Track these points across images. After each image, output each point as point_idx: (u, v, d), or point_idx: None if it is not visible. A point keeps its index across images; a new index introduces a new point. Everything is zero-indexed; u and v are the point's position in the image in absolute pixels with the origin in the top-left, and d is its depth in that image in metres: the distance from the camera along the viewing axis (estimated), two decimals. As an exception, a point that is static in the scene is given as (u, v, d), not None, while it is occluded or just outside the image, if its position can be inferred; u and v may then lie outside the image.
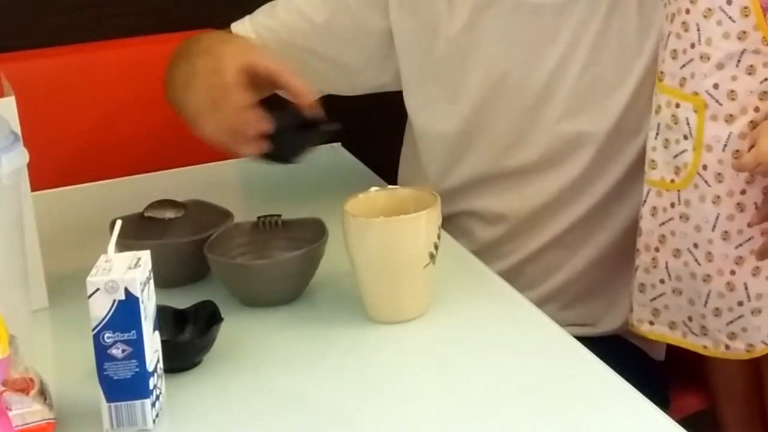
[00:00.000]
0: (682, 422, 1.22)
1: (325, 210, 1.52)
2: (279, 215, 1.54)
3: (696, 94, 1.48)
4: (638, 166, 1.65)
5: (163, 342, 1.26)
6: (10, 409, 1.17)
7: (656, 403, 1.24)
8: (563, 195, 1.69)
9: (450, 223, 1.68)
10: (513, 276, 1.63)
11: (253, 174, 1.96)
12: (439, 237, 1.39)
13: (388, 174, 1.83)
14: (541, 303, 1.54)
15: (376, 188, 1.46)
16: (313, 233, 1.48)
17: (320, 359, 1.36)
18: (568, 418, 1.22)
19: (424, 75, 1.75)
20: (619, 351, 1.68)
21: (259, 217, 1.54)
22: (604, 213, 1.70)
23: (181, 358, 1.32)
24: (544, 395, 1.26)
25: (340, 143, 1.99)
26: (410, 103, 1.79)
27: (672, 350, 1.75)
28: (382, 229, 1.37)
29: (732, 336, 1.54)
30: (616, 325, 1.75)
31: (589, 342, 1.36)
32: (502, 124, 1.69)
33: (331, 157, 1.97)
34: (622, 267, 1.71)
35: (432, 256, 1.38)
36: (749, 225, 1.49)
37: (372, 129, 2.12)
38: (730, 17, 1.45)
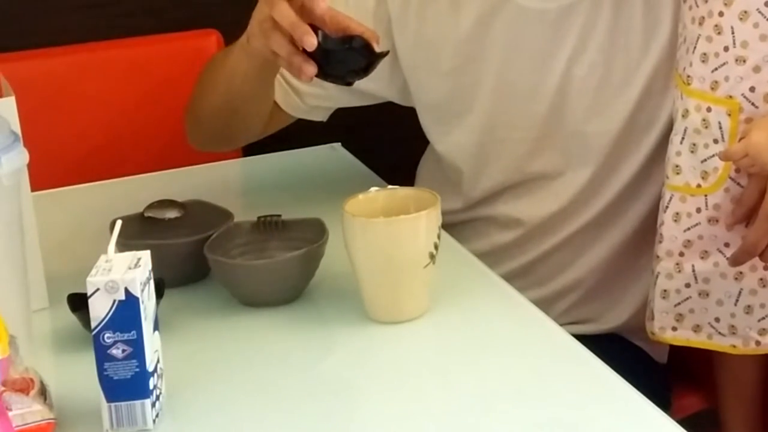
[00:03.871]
0: (682, 422, 1.22)
1: (325, 210, 1.52)
2: (279, 215, 1.54)
3: (730, 97, 1.46)
4: (649, 164, 1.65)
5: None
6: (10, 409, 1.17)
7: (657, 404, 1.24)
8: (579, 197, 1.68)
9: (466, 226, 1.68)
10: (522, 274, 1.62)
11: (253, 174, 1.96)
12: (439, 237, 1.39)
13: (388, 174, 1.83)
14: (548, 300, 1.53)
15: (376, 188, 1.45)
16: (313, 233, 1.48)
17: (320, 359, 1.36)
18: (568, 419, 1.22)
19: (434, 90, 1.72)
20: (621, 351, 1.68)
21: (259, 217, 1.54)
22: (617, 212, 1.69)
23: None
24: (544, 395, 1.26)
25: (340, 143, 1.99)
26: (425, 121, 1.77)
27: (673, 350, 1.75)
28: (382, 229, 1.37)
29: (763, 332, 1.53)
30: (620, 321, 1.74)
31: (590, 342, 1.36)
32: (519, 131, 1.68)
33: (331, 157, 1.96)
34: (630, 264, 1.71)
35: (432, 256, 1.38)
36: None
37: (372, 129, 2.12)
38: (767, 19, 1.43)
